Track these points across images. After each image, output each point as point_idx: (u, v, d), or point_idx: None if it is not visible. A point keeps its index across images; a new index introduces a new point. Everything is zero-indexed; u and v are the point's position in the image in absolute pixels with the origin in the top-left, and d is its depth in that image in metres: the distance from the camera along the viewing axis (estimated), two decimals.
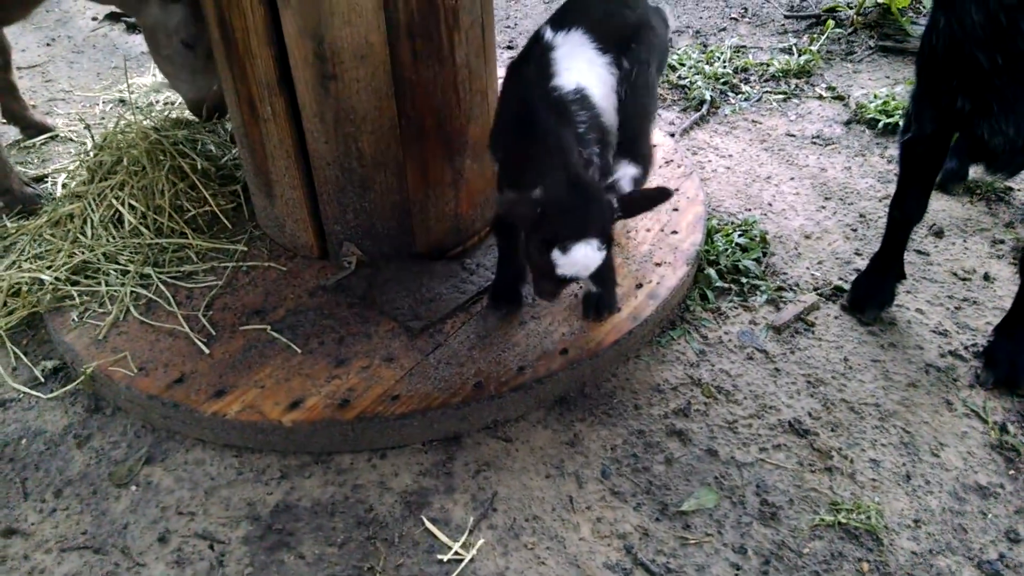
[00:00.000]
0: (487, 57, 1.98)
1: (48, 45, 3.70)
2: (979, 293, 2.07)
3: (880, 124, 2.75)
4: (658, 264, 2.06)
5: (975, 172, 2.44)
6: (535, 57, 1.74)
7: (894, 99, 2.83)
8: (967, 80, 1.53)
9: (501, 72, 2.14)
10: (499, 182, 1.75)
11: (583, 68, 1.71)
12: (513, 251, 1.89)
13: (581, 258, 1.51)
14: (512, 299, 1.94)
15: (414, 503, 1.60)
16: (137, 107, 2.65)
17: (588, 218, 1.52)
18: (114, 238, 2.14)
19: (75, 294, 2.01)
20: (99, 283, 2.04)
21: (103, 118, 3.00)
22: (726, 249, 2.18)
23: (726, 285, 2.10)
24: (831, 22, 3.44)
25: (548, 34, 1.76)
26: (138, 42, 3.69)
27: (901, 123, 1.82)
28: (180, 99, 2.77)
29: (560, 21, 1.78)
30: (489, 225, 2.18)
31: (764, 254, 2.20)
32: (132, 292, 2.00)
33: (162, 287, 2.02)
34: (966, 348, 1.92)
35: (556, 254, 1.51)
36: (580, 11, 1.80)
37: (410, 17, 1.75)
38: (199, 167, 2.27)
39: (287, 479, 1.66)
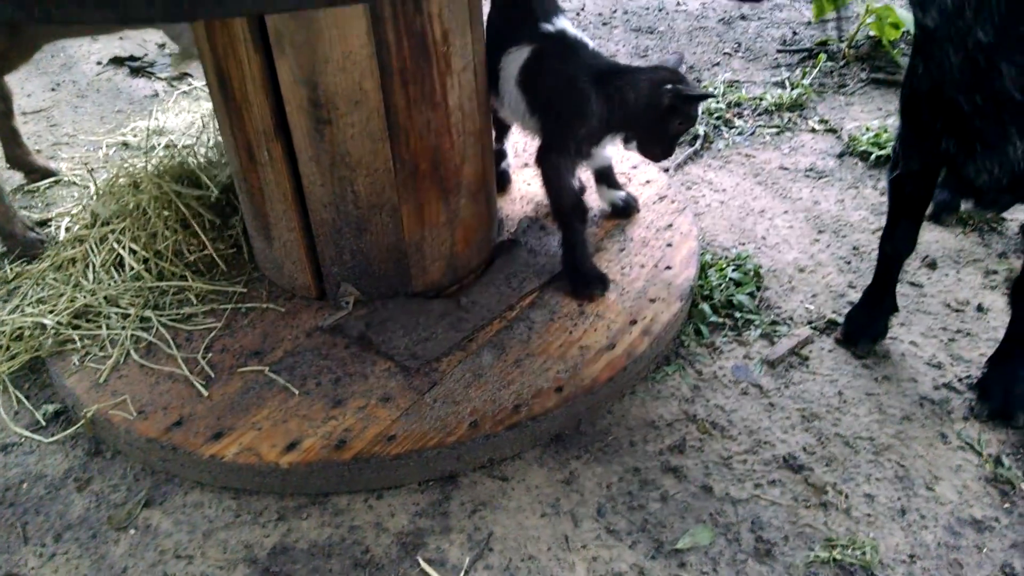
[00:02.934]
0: (480, 100, 2.02)
1: (53, 90, 3.77)
2: (973, 324, 2.08)
3: (872, 156, 2.78)
4: (652, 300, 2.08)
5: (967, 203, 2.46)
6: (569, 46, 2.11)
7: (886, 131, 2.87)
8: (950, 122, 1.56)
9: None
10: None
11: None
12: None
13: None
14: None
15: (410, 544, 1.61)
16: (139, 149, 2.70)
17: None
18: (115, 282, 2.17)
19: (76, 338, 2.04)
20: (100, 327, 2.06)
21: (106, 162, 3.04)
22: (720, 284, 2.20)
23: (720, 320, 2.12)
24: (823, 55, 3.49)
25: (556, 25, 2.14)
26: (141, 85, 3.76)
27: (891, 159, 1.84)
28: (181, 143, 2.82)
29: (548, 14, 2.15)
30: (484, 263, 2.21)
31: (758, 288, 2.22)
32: (132, 335, 2.03)
33: (162, 330, 2.04)
34: (960, 380, 1.92)
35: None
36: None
37: (403, 63, 1.79)
38: (200, 211, 2.30)
39: (284, 521, 1.67)
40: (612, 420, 1.86)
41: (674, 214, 2.40)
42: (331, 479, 1.69)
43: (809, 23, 3.95)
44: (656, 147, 2.07)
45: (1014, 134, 1.47)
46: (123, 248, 2.23)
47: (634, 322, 2.01)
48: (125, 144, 3.19)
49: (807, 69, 3.46)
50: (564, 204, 2.09)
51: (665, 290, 2.10)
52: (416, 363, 1.90)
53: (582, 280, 2.10)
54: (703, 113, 3.13)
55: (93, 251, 2.24)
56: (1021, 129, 1.46)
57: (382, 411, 1.78)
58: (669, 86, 1.96)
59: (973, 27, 1.36)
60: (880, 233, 1.94)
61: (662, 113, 1.98)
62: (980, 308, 2.13)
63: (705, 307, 2.13)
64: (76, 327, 2.07)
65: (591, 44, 2.13)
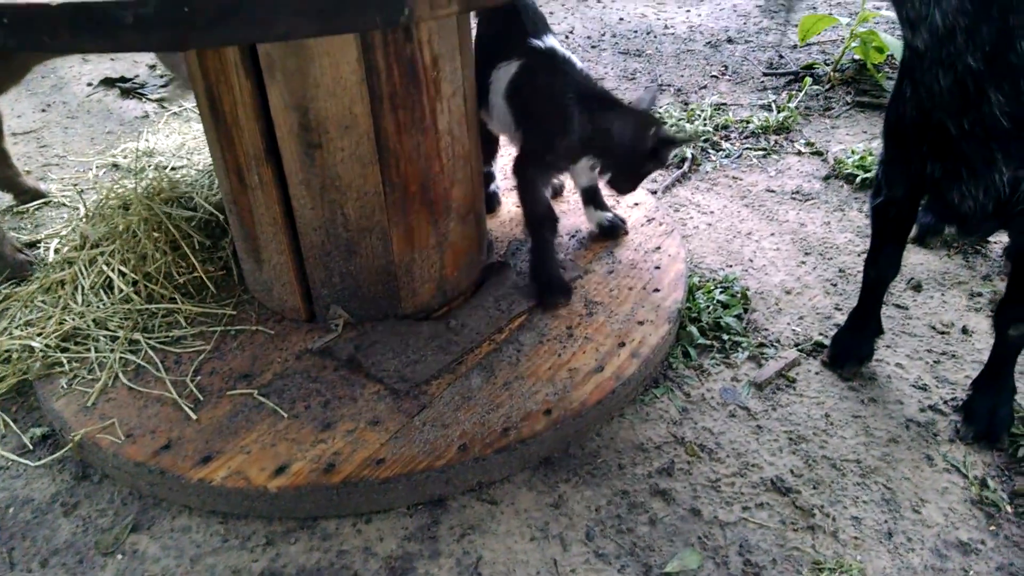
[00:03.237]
0: (469, 124, 2.04)
1: (43, 111, 3.77)
2: (958, 347, 2.10)
3: (858, 179, 2.81)
4: (640, 322, 2.09)
5: (951, 228, 2.49)
6: (558, 63, 2.13)
7: (871, 154, 2.90)
8: (936, 146, 1.57)
9: None
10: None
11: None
12: None
13: None
14: None
15: (399, 568, 1.60)
16: (129, 171, 2.71)
17: None
18: (104, 304, 2.17)
19: (64, 361, 2.03)
20: (88, 349, 2.06)
21: (96, 183, 3.05)
22: (707, 306, 2.22)
23: (708, 342, 2.14)
24: (808, 79, 3.53)
25: (545, 42, 2.18)
26: (132, 107, 3.77)
27: (874, 185, 1.86)
28: (170, 165, 2.82)
29: (538, 31, 2.17)
30: (474, 285, 2.23)
31: (745, 310, 2.24)
32: (121, 358, 2.02)
33: (151, 352, 2.04)
34: (946, 402, 1.94)
35: None
36: (537, 16, 2.24)
37: (393, 89, 1.81)
38: (189, 232, 2.31)
39: (272, 545, 1.66)
40: (601, 443, 1.87)
41: (662, 236, 2.42)
42: (320, 503, 1.69)
43: (795, 46, 4.00)
44: (626, 183, 2.17)
45: (1000, 161, 1.47)
46: (112, 270, 2.23)
47: (623, 344, 2.02)
48: (115, 165, 3.19)
49: (793, 92, 3.50)
50: (535, 213, 2.14)
51: (653, 312, 2.12)
52: (405, 386, 1.90)
53: (547, 289, 2.15)
54: (691, 136, 3.16)
55: (82, 273, 2.24)
56: (1008, 156, 1.47)
57: (371, 434, 1.78)
58: (654, 130, 2.04)
59: (964, 52, 1.37)
60: (865, 255, 1.96)
61: (644, 155, 2.06)
62: (965, 330, 2.15)
63: (693, 329, 2.14)
64: (64, 350, 2.07)
65: (579, 63, 2.17)
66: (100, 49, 1.14)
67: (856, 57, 3.57)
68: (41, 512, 1.78)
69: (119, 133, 3.52)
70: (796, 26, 4.01)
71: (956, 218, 1.69)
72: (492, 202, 2.55)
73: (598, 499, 1.73)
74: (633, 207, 2.57)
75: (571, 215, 2.53)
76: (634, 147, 2.06)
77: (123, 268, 2.23)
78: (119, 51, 1.18)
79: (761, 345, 2.12)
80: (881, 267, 1.91)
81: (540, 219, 2.14)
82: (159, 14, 1.13)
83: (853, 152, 2.96)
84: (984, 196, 1.55)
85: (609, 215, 2.41)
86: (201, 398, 1.91)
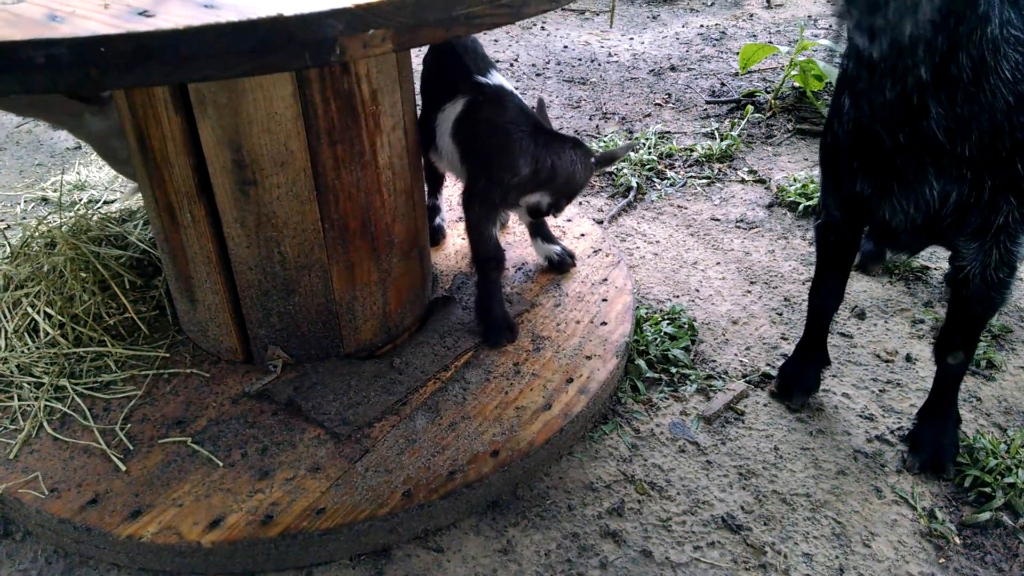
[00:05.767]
0: (410, 158, 1.99)
1: None
2: (902, 375, 2.11)
3: (800, 207, 2.83)
4: (588, 357, 2.06)
5: (882, 246, 2.51)
6: (506, 99, 2.09)
7: (813, 181, 2.93)
8: (869, 161, 1.56)
9: None
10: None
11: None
12: None
13: None
14: None
15: None
16: (59, 205, 2.60)
17: None
18: (29, 348, 2.07)
19: None
20: (11, 397, 1.95)
21: (24, 218, 2.93)
22: (655, 338, 2.20)
23: (656, 375, 2.11)
24: (750, 107, 3.57)
25: (492, 79, 2.13)
26: (62, 137, 3.64)
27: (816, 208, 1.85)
28: (102, 200, 2.73)
29: (482, 69, 2.14)
30: (418, 321, 2.18)
31: (693, 342, 2.22)
32: (46, 406, 1.92)
33: (78, 400, 1.94)
34: (892, 432, 1.94)
35: None
36: (478, 54, 2.20)
37: (330, 124, 1.76)
38: (120, 271, 2.22)
39: None
40: (550, 483, 1.82)
41: (609, 267, 2.40)
42: (257, 558, 1.61)
43: (736, 74, 4.05)
44: (563, 208, 2.20)
45: (932, 175, 1.48)
46: (38, 312, 2.13)
47: (570, 380, 1.99)
48: (44, 199, 3.08)
49: (735, 120, 3.53)
50: (483, 251, 2.11)
51: (601, 346, 2.09)
52: (347, 429, 1.84)
53: (493, 328, 2.12)
54: (636, 164, 3.16)
55: (5, 316, 2.13)
56: (939, 170, 1.47)
57: (311, 482, 1.72)
58: (594, 160, 2.11)
59: (919, 64, 1.35)
60: (810, 283, 1.96)
61: (586, 185, 2.18)
62: (909, 358, 2.17)
63: (641, 363, 2.12)
64: None
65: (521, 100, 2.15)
66: (8, 90, 1.08)
67: (796, 85, 3.63)
68: None
69: (49, 165, 3.39)
70: (737, 54, 4.07)
71: (887, 234, 1.67)
72: (437, 235, 2.51)
73: (548, 543, 1.68)
74: (579, 238, 2.55)
75: (517, 247, 2.50)
76: (584, 180, 2.09)
77: (49, 310, 2.13)
78: (30, 92, 1.12)
79: (709, 377, 2.11)
80: (824, 295, 1.91)
81: (486, 258, 2.11)
82: (73, 54, 1.07)
83: (795, 180, 2.98)
84: (915, 210, 1.54)
85: (558, 248, 2.38)
86: (131, 447, 1.82)
